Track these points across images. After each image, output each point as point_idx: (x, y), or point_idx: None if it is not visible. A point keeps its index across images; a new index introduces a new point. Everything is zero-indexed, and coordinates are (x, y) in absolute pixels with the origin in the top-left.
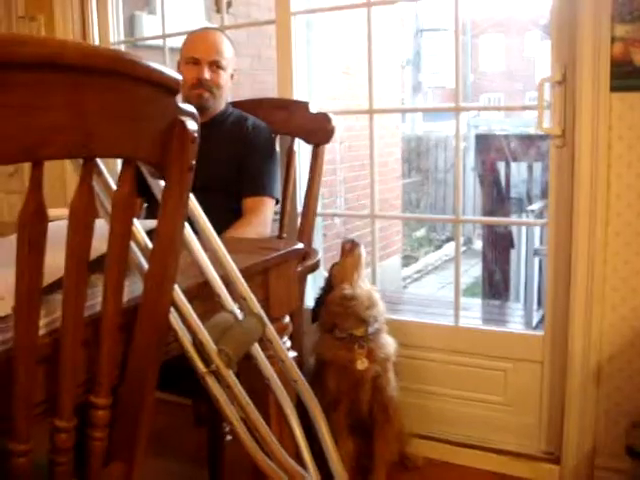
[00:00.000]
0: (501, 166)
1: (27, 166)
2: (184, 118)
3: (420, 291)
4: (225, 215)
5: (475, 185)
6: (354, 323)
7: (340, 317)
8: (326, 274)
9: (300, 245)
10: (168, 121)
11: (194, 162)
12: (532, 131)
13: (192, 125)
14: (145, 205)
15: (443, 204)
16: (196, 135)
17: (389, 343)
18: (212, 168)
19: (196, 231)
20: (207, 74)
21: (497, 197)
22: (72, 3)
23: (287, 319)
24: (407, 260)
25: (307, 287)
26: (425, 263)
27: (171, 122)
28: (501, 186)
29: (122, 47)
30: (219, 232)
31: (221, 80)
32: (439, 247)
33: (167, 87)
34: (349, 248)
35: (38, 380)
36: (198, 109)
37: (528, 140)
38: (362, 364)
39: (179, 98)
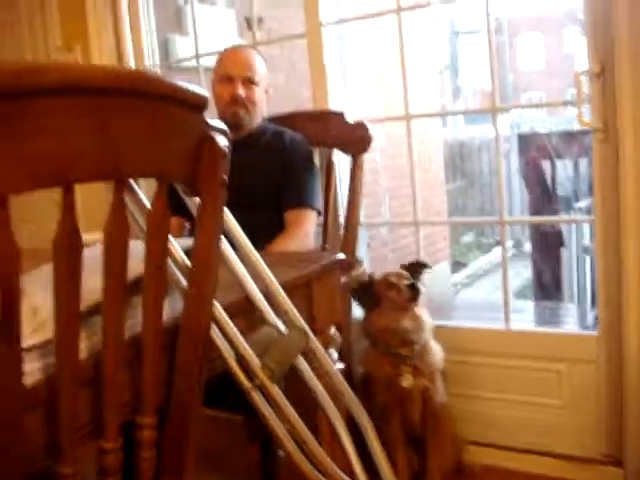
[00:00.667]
0: (546, 165)
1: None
2: (214, 134)
3: (472, 296)
4: (267, 231)
5: (521, 186)
6: (400, 343)
7: (385, 336)
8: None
9: (341, 255)
10: (198, 138)
11: (226, 177)
12: (575, 127)
13: (222, 140)
14: (188, 225)
15: (490, 208)
16: (227, 150)
17: (436, 353)
18: (251, 184)
19: (235, 247)
20: (241, 90)
21: (544, 196)
22: (107, 30)
23: (332, 330)
24: (456, 266)
25: None
26: (475, 268)
27: (201, 139)
28: (547, 185)
29: (158, 70)
30: (261, 248)
31: (255, 96)
32: (488, 251)
33: (193, 104)
34: (397, 292)
35: (82, 402)
36: (234, 126)
37: (571, 136)
38: (408, 381)
39: (208, 115)
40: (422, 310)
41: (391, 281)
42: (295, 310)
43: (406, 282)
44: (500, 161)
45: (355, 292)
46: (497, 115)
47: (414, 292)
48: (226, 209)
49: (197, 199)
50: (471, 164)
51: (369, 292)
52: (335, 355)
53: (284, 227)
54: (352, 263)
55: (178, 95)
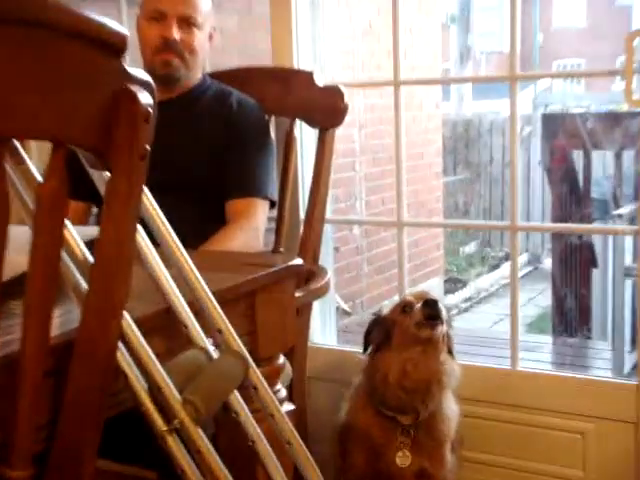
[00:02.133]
0: (578, 156)
1: None
2: (134, 88)
3: (471, 325)
4: (201, 224)
5: (543, 183)
6: (401, 405)
7: (382, 388)
8: (387, 304)
9: (299, 261)
10: (111, 92)
11: (148, 148)
12: (622, 107)
13: (145, 97)
14: (95, 211)
15: (501, 209)
16: (151, 111)
17: (450, 418)
18: (182, 160)
19: (156, 242)
20: (176, 33)
21: (572, 198)
22: None
23: (281, 360)
24: (452, 284)
25: (314, 317)
26: (477, 288)
27: (116, 93)
28: (577, 183)
29: None
30: (193, 246)
31: (194, 42)
32: (495, 267)
33: (108, 45)
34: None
35: None
36: (164, 79)
37: (615, 120)
38: (403, 459)
39: (128, 63)
40: (448, 356)
41: (408, 300)
42: (232, 329)
43: (425, 296)
44: (515, 148)
45: (366, 333)
46: (516, 86)
47: (431, 313)
48: (147, 191)
49: (107, 174)
50: (479, 151)
51: (380, 326)
52: (283, 392)
53: (225, 221)
54: (312, 272)
55: (87, 30)
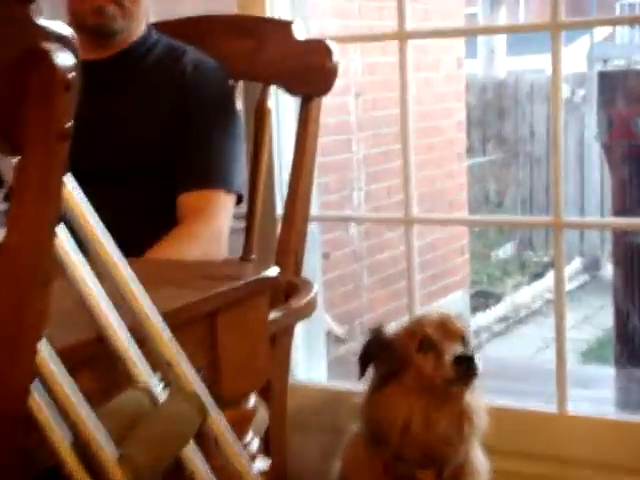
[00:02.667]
0: None
1: None
2: (49, 46)
3: (507, 353)
4: (145, 224)
5: (602, 165)
6: (421, 457)
7: (396, 437)
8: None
9: (275, 271)
10: (19, 51)
11: (70, 125)
12: None
13: (65, 58)
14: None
15: (546, 200)
16: (73, 75)
17: (479, 473)
18: (120, 141)
19: (85, 249)
20: None
21: (639, 184)
22: None
23: (253, 402)
24: (482, 299)
25: (297, 346)
26: (514, 305)
27: (25, 53)
28: None
29: None
30: (136, 253)
31: None
32: (539, 276)
33: None
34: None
35: None
36: (96, 33)
37: None
38: None
39: (43, 14)
40: (476, 397)
41: (428, 335)
42: (186, 362)
43: (457, 350)
44: (559, 117)
45: (363, 353)
46: (560, 37)
47: (466, 372)
48: (71, 181)
49: (15, 160)
50: (516, 123)
51: (385, 353)
52: (256, 444)
53: (179, 219)
54: (294, 285)
55: None
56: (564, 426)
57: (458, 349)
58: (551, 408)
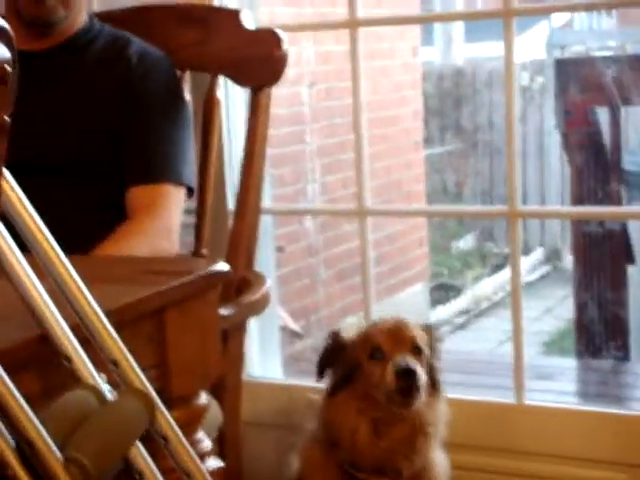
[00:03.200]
0: (603, 115)
1: None
2: None
3: (468, 347)
4: (90, 218)
5: (562, 154)
6: (378, 466)
7: (348, 445)
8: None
9: (225, 266)
10: None
11: (7, 119)
12: None
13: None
14: None
15: (506, 190)
16: (8, 69)
17: (440, 476)
18: (61, 134)
19: (25, 247)
20: None
21: (597, 172)
22: None
23: (204, 399)
24: (442, 292)
25: (251, 342)
26: (475, 297)
27: None
28: (604, 151)
29: None
30: (81, 251)
31: None
32: (499, 268)
33: None
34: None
35: None
36: (35, 24)
37: None
38: None
39: None
40: (436, 405)
41: (378, 343)
42: (133, 361)
43: (401, 363)
44: (512, 104)
45: (321, 358)
46: (511, 24)
47: (405, 386)
48: (8, 176)
49: None
50: (475, 112)
51: (340, 359)
52: (208, 444)
53: (128, 214)
54: (246, 280)
55: None
56: (522, 417)
57: (402, 361)
58: (510, 399)
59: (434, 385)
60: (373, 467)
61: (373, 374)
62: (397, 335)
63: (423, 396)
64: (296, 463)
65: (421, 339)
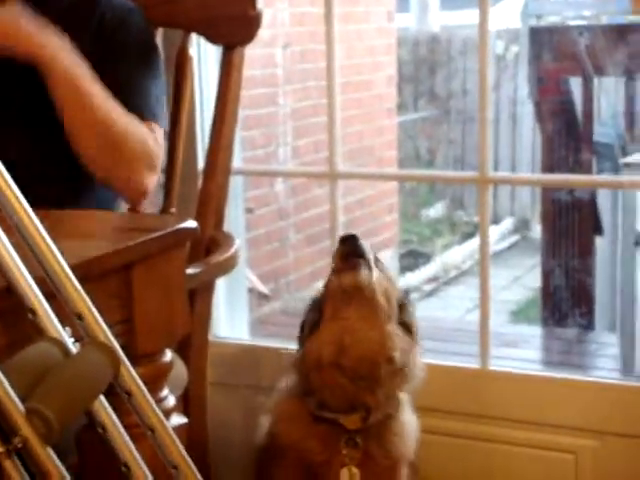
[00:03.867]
0: (576, 85)
1: None
2: None
3: (436, 314)
4: (58, 168)
5: (534, 122)
6: (345, 403)
7: (321, 382)
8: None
9: (193, 223)
10: None
11: None
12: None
13: None
14: None
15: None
16: None
17: (407, 430)
18: (28, 85)
19: None
20: None
21: (567, 141)
22: None
23: (168, 357)
24: (412, 259)
25: (218, 303)
26: (444, 265)
27: None
28: (575, 121)
29: None
30: (51, 205)
31: None
32: (469, 236)
33: None
34: (346, 266)
35: None
36: None
37: (625, 34)
38: (349, 476)
39: None
40: (404, 334)
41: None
42: (98, 315)
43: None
44: (486, 73)
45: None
46: None
47: (347, 250)
48: None
49: None
50: (448, 79)
51: (315, 306)
52: (172, 401)
53: None
54: (214, 240)
55: None
56: (487, 382)
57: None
58: (475, 364)
59: (409, 330)
60: (340, 400)
61: (329, 280)
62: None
63: (372, 272)
64: (267, 423)
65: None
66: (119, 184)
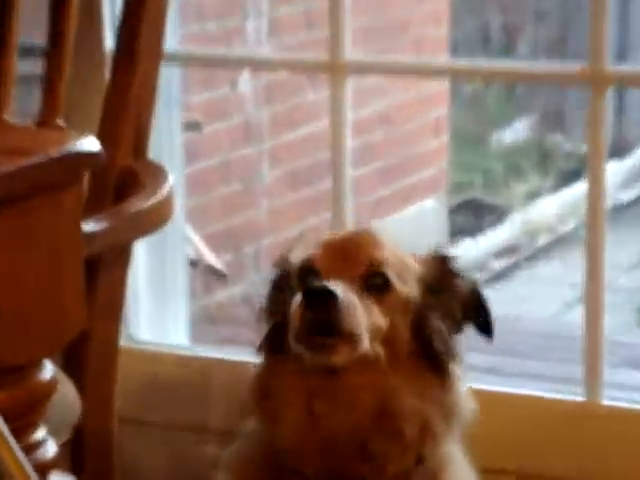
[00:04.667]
0: None
1: None
2: None
3: (508, 310)
4: None
5: None
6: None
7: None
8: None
9: (93, 145)
10: None
11: None
12: None
13: None
14: None
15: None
16: None
17: None
18: None
19: None
20: None
21: None
22: None
23: (48, 373)
24: (472, 215)
25: (138, 283)
26: (527, 226)
27: None
28: None
29: None
30: None
31: None
32: (571, 178)
33: None
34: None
35: None
36: None
37: None
38: None
39: None
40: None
41: (310, 258)
42: None
43: (310, 282)
44: None
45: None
46: None
47: (315, 320)
48: None
49: None
50: None
51: (277, 295)
52: (52, 448)
53: None
54: (133, 173)
55: None
56: (596, 424)
57: (316, 281)
58: (578, 396)
59: (439, 358)
60: (319, 472)
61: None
62: (346, 253)
63: (363, 342)
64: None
65: (396, 265)
66: None
